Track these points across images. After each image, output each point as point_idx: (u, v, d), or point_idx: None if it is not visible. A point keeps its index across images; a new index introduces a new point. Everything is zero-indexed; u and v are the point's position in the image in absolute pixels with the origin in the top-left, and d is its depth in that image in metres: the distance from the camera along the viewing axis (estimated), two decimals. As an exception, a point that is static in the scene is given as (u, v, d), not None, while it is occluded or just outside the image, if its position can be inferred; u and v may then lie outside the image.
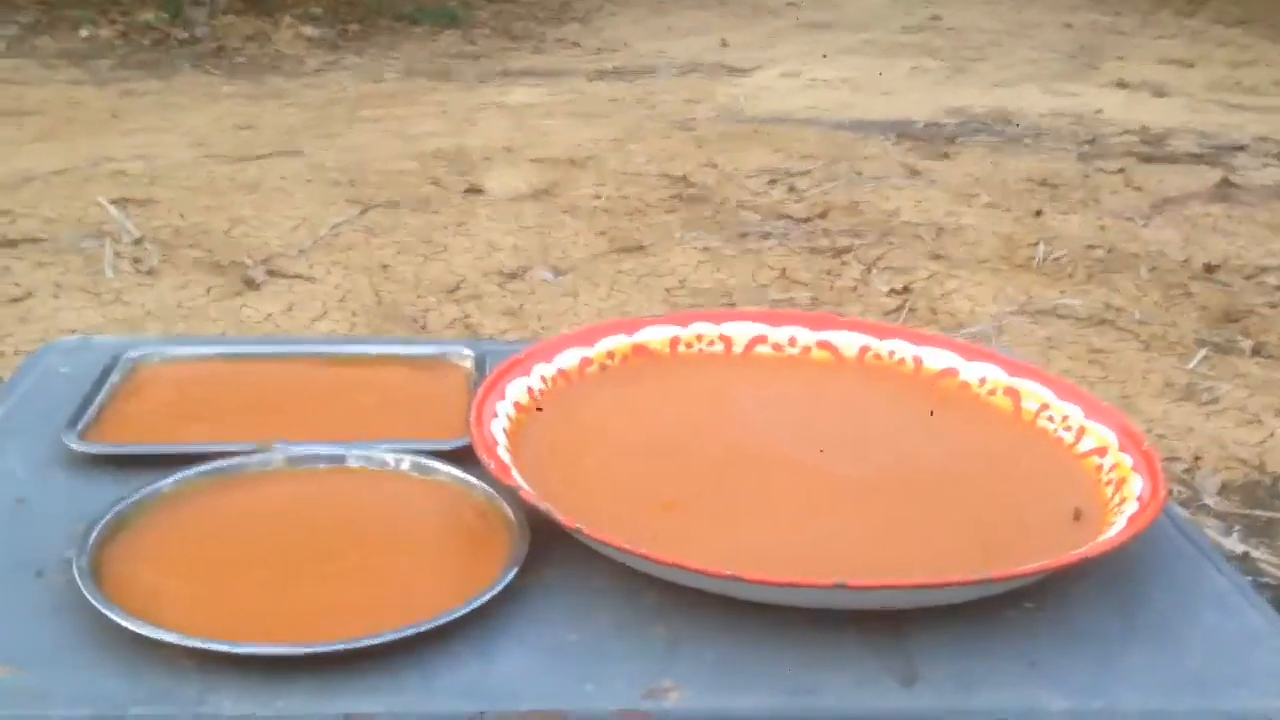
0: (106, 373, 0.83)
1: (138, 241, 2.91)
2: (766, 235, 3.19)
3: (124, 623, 0.57)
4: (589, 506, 0.70)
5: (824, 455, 0.80)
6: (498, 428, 0.76)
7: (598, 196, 3.45)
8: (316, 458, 0.73)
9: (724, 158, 3.88)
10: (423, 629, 0.58)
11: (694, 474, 0.77)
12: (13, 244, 2.87)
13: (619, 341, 0.90)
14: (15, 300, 2.57)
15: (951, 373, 0.90)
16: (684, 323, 0.93)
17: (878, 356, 0.92)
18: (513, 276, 2.86)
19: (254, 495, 0.69)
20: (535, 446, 0.77)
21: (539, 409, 0.79)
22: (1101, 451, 0.79)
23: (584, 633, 0.63)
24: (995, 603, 0.66)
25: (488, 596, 0.61)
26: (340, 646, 0.57)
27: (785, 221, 3.31)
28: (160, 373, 0.85)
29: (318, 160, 3.67)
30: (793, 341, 0.93)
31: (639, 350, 0.91)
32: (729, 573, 0.61)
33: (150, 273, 2.75)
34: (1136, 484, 0.74)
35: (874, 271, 2.99)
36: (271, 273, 2.78)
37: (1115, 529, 0.70)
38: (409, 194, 3.37)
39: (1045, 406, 0.85)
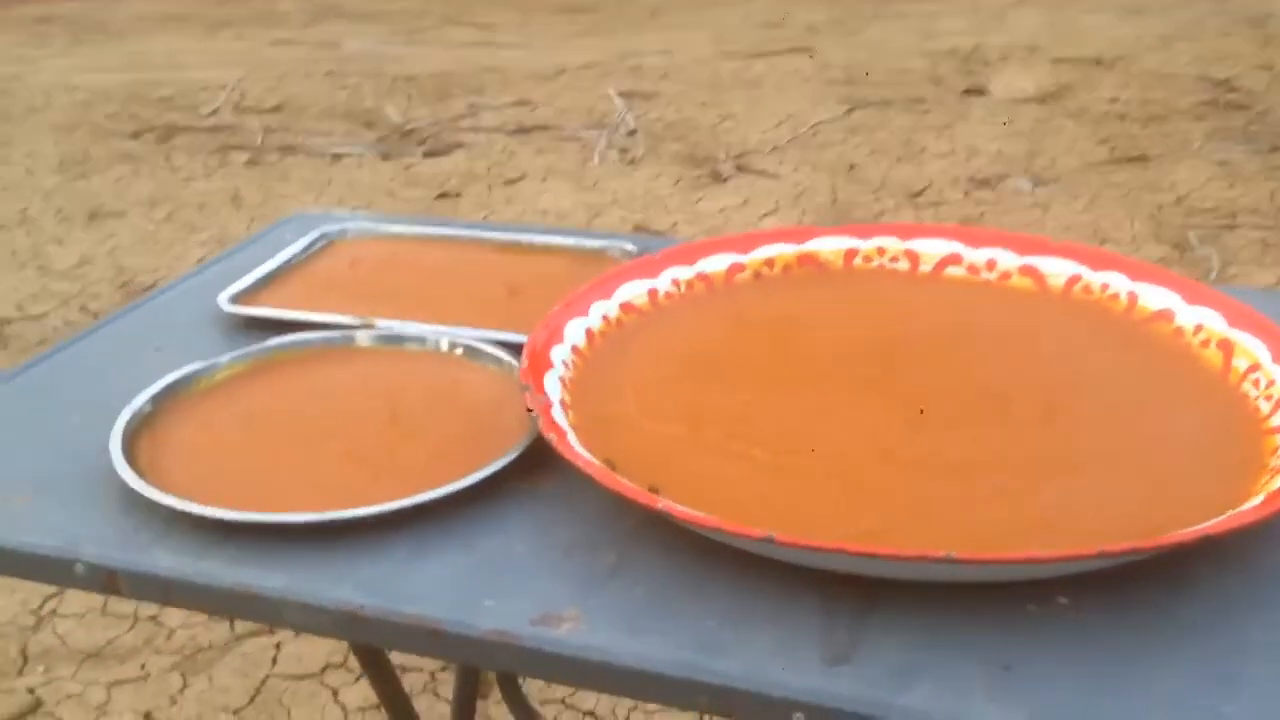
0: (300, 244, 0.90)
1: (631, 133, 3.07)
2: (1305, 150, 2.74)
3: (116, 464, 0.63)
4: (614, 419, 0.66)
5: (964, 404, 0.69)
6: (578, 328, 0.73)
7: (1114, 100, 3.14)
8: (390, 339, 0.75)
9: (1286, 59, 3.37)
10: (346, 516, 0.59)
11: (775, 408, 0.69)
12: (527, 131, 3.14)
13: (782, 249, 0.83)
14: (509, 182, 2.82)
15: (1166, 316, 0.74)
16: (865, 234, 0.83)
17: (1088, 289, 0.77)
18: (983, 184, 2.69)
19: (311, 371, 0.72)
20: (618, 356, 0.73)
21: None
22: (1285, 431, 0.61)
23: (532, 546, 0.60)
24: (1019, 591, 0.54)
25: (419, 500, 0.59)
26: (268, 518, 0.59)
27: (1337, 134, 2.82)
28: (345, 248, 0.90)
29: (826, 58, 3.65)
30: (991, 265, 0.81)
31: (806, 260, 0.82)
32: (660, 504, 0.55)
33: (632, 163, 2.90)
34: (1285, 478, 0.57)
35: None
36: (740, 168, 2.83)
37: (1204, 524, 0.54)
38: (904, 93, 3.27)
39: (1255, 367, 0.67)
